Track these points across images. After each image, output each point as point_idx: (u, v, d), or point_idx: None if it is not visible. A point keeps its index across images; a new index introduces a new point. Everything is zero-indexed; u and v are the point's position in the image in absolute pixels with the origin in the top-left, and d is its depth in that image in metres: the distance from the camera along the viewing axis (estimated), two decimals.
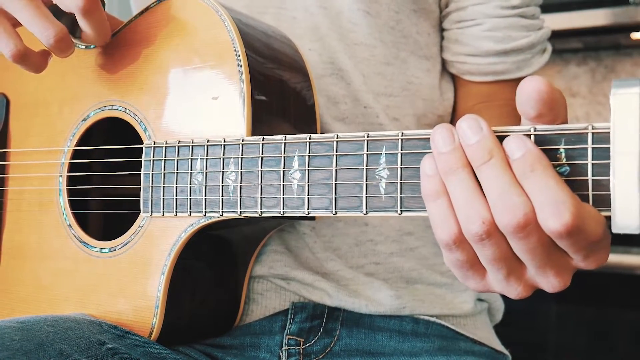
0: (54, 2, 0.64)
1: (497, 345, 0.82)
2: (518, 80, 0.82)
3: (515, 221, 0.42)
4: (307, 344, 0.73)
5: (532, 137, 0.45)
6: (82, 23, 0.66)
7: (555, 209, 0.41)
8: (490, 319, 0.85)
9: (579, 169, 0.43)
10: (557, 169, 0.44)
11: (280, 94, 0.66)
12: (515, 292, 0.48)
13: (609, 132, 0.41)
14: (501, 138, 0.45)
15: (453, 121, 0.85)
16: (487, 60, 0.79)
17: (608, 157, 0.42)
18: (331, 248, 0.75)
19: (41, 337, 0.58)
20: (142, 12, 0.70)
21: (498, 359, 0.80)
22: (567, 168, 0.43)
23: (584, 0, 1.61)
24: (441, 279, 0.79)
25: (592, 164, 0.43)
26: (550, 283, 0.46)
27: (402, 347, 0.74)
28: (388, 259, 0.77)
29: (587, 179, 0.43)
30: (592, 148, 0.43)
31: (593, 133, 0.42)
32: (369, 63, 0.77)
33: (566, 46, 1.90)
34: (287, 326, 0.73)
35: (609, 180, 0.42)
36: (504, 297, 0.79)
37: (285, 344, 0.73)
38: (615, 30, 1.67)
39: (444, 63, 0.84)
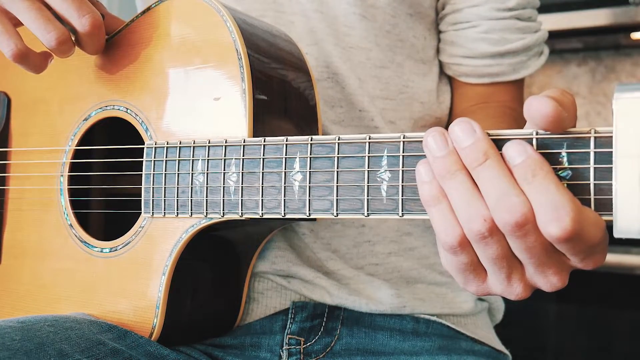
0: (64, 15, 0.65)
1: (498, 344, 0.82)
2: (515, 82, 0.82)
3: (513, 220, 0.42)
4: (308, 343, 0.73)
5: (534, 140, 0.45)
6: (82, 39, 0.66)
7: (555, 214, 0.41)
8: (490, 318, 0.85)
9: (581, 173, 0.43)
10: (559, 172, 0.44)
11: (282, 95, 0.65)
12: (514, 293, 0.48)
13: (612, 137, 0.41)
14: (505, 141, 0.45)
15: (450, 123, 0.84)
16: (482, 62, 0.80)
17: (610, 162, 0.42)
18: (330, 249, 0.75)
19: (41, 337, 0.57)
20: (143, 12, 0.70)
21: (499, 358, 0.80)
22: (569, 172, 0.43)
23: (584, 0, 1.61)
24: (441, 278, 0.79)
25: (594, 168, 0.43)
26: (549, 282, 0.46)
27: (403, 346, 0.74)
28: (386, 259, 0.77)
29: (589, 183, 0.43)
30: (595, 152, 0.42)
31: (595, 137, 0.42)
32: (365, 66, 0.77)
33: (566, 46, 1.90)
34: (288, 325, 0.73)
35: (611, 184, 0.42)
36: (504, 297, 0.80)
37: (286, 343, 0.73)
38: (615, 30, 1.66)
39: (441, 66, 0.84)
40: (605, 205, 0.42)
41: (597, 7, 1.60)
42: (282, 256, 0.75)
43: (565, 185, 0.43)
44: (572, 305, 1.56)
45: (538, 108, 0.43)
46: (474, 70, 0.81)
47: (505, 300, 0.83)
